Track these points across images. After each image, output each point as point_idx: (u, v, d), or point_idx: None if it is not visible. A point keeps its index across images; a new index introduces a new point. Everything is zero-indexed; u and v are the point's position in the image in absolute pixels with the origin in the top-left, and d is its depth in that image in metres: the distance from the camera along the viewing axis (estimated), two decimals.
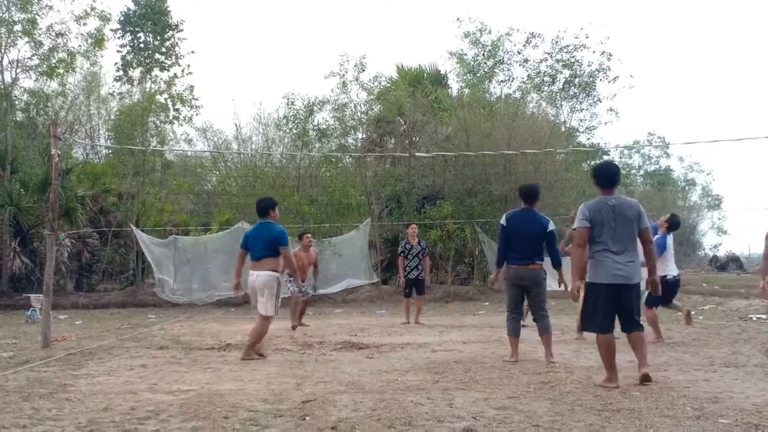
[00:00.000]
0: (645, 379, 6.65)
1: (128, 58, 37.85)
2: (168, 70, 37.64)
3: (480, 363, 8.32)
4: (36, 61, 22.93)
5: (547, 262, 8.81)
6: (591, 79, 25.24)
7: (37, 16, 22.19)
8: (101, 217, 23.40)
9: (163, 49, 38.21)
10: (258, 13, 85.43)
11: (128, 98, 30.88)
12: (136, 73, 36.67)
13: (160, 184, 26.30)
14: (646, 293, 8.03)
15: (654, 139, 52.80)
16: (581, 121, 26.65)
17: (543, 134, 24.74)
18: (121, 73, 37.30)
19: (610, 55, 25.03)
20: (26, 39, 22.37)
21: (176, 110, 30.50)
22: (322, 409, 5.74)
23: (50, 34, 22.72)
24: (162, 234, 22.15)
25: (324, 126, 25.69)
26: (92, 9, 23.51)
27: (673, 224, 10.94)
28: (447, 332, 12.32)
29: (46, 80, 24.21)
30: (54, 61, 23.09)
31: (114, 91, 32.78)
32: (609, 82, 25.37)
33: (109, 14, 24.65)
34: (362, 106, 25.48)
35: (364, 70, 24.49)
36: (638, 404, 5.81)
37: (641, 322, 6.85)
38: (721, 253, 52.39)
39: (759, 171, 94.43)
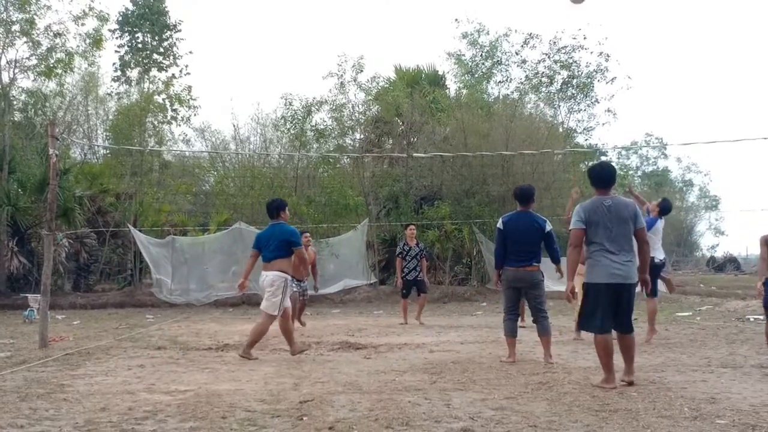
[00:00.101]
0: (629, 384, 6.67)
1: (126, 58, 37.88)
2: (166, 71, 37.70)
3: (477, 363, 8.33)
4: (34, 61, 22.92)
5: (545, 263, 8.83)
6: (589, 80, 25.25)
7: (35, 16, 22.19)
8: (99, 218, 23.38)
9: (161, 50, 38.25)
10: (256, 13, 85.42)
11: (126, 98, 30.90)
12: (134, 74, 36.69)
13: (158, 185, 26.27)
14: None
15: (652, 140, 52.88)
16: (579, 121, 26.65)
17: (541, 135, 24.74)
18: (119, 73, 37.35)
19: (608, 56, 25.06)
20: (24, 39, 22.36)
21: (174, 110, 30.52)
22: (319, 410, 5.74)
23: (48, 34, 22.72)
24: (160, 234, 22.13)
25: (322, 126, 25.68)
26: (90, 9, 23.50)
27: (664, 208, 10.97)
28: (444, 333, 12.33)
29: (44, 80, 24.18)
30: (52, 61, 23.07)
31: (112, 92, 32.84)
32: (607, 83, 25.39)
33: (107, 14, 24.64)
34: (360, 106, 25.53)
35: (362, 71, 24.56)
36: (635, 405, 5.82)
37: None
38: (719, 254, 52.57)
39: (756, 172, 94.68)
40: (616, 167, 7.45)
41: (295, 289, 13.02)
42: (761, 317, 13.75)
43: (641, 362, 8.16)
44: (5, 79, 22.52)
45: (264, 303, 9.09)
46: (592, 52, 26.80)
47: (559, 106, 26.50)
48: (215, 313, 18.14)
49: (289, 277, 9.14)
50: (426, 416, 5.46)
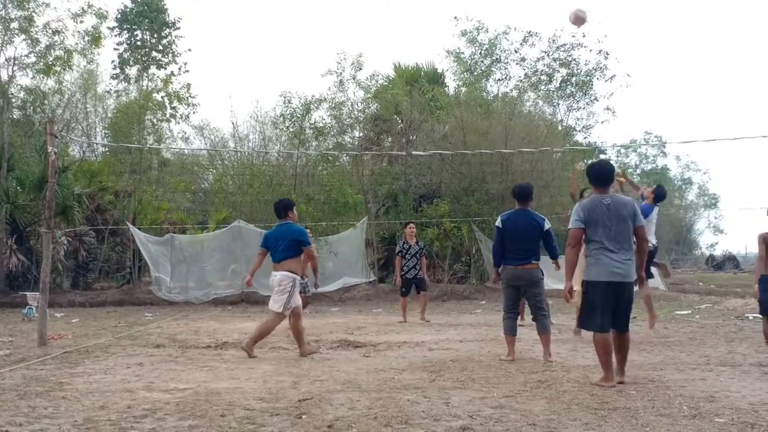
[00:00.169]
0: (619, 383, 6.68)
1: (125, 55, 37.83)
2: (165, 68, 37.65)
3: (477, 362, 8.33)
4: (33, 59, 22.87)
5: (544, 261, 8.83)
6: (588, 78, 25.24)
7: (33, 14, 22.13)
8: (98, 215, 23.36)
9: (160, 47, 38.19)
10: (255, 11, 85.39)
11: (125, 96, 30.86)
12: (133, 71, 36.66)
13: (157, 183, 26.29)
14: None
15: (651, 138, 52.97)
16: (578, 119, 26.66)
17: (540, 133, 24.75)
18: (118, 71, 37.31)
19: (607, 53, 25.03)
20: (23, 36, 22.31)
21: (173, 108, 30.55)
22: (318, 408, 5.74)
23: (47, 31, 22.67)
24: (159, 232, 22.14)
25: (321, 124, 25.69)
26: (89, 6, 23.42)
27: (658, 195, 10.97)
28: (444, 331, 12.32)
29: (43, 78, 24.16)
30: (51, 58, 23.03)
31: (111, 89, 32.80)
32: (606, 80, 25.38)
33: (106, 12, 24.57)
34: (359, 104, 25.52)
35: (361, 69, 24.54)
36: (634, 403, 5.82)
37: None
38: (718, 252, 52.61)
39: (755, 170, 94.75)
40: (615, 165, 7.46)
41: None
42: (760, 315, 13.78)
43: (640, 360, 8.17)
44: (4, 76, 22.53)
45: (270, 302, 9.10)
46: (591, 50, 26.87)
47: (558, 104, 26.52)
48: (214, 312, 18.13)
49: (298, 277, 9.12)
50: (425, 414, 5.46)
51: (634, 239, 6.85)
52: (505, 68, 26.81)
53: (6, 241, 20.46)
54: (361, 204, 23.80)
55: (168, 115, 29.57)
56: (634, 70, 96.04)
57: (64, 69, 24.00)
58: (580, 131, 27.11)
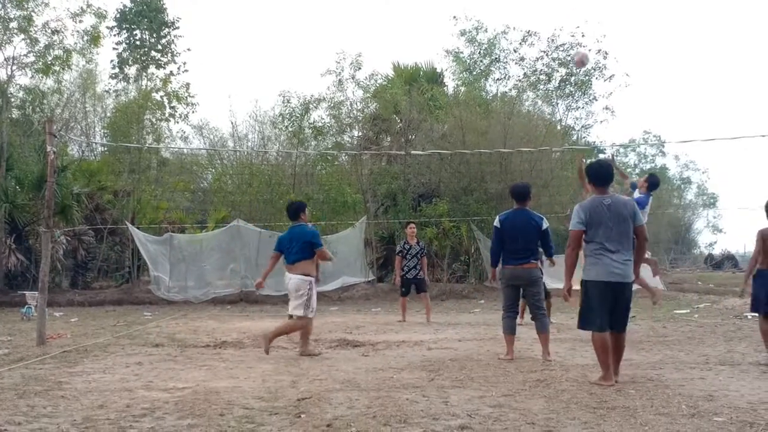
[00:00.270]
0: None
1: (124, 55, 37.92)
2: (164, 68, 37.76)
3: (475, 361, 8.33)
4: (32, 58, 22.88)
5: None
6: (587, 78, 25.30)
7: (32, 13, 22.12)
8: (97, 215, 23.35)
9: (159, 47, 38.28)
10: (254, 10, 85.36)
11: (124, 96, 30.86)
12: (132, 71, 36.72)
13: (156, 182, 26.28)
14: None
15: (650, 138, 52.97)
16: (577, 119, 26.72)
17: (539, 132, 24.77)
18: (117, 70, 37.38)
19: (606, 53, 25.13)
20: (22, 36, 22.30)
21: (172, 108, 30.54)
22: (317, 407, 5.74)
23: (46, 31, 22.67)
24: (158, 231, 22.13)
25: (320, 124, 25.72)
26: (88, 6, 23.43)
27: (652, 184, 10.96)
28: (442, 330, 12.32)
29: (42, 77, 24.14)
30: (50, 58, 23.02)
31: (110, 89, 32.83)
32: (605, 80, 25.48)
33: (105, 11, 24.58)
34: (358, 103, 25.55)
35: (360, 68, 24.57)
36: (633, 402, 5.82)
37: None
38: (717, 251, 52.62)
39: (754, 169, 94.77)
40: (621, 166, 7.46)
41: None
42: (756, 314, 13.80)
43: (639, 359, 8.18)
44: (3, 76, 22.53)
45: (292, 308, 9.10)
46: (590, 50, 26.75)
47: (557, 103, 26.58)
48: (213, 311, 18.12)
49: (313, 279, 9.12)
50: (424, 413, 5.46)
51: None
52: (504, 68, 26.89)
53: (5, 241, 20.45)
54: (360, 203, 23.81)
55: (167, 115, 29.60)
56: (633, 70, 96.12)
57: (63, 68, 23.99)
58: (578, 131, 27.18)
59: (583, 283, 6.85)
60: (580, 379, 6.91)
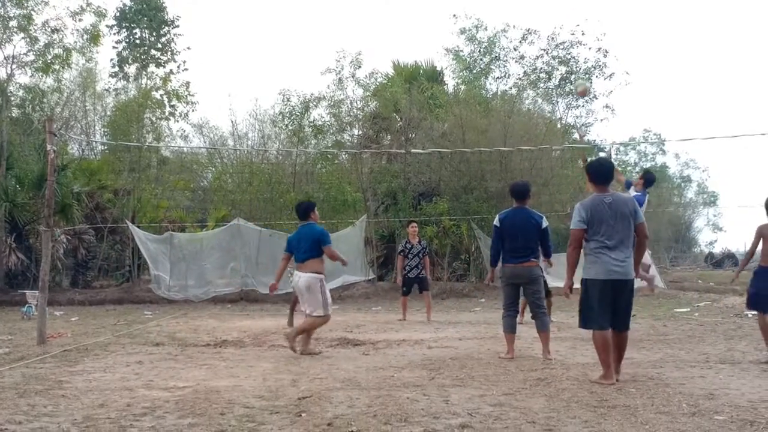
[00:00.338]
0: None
1: (124, 54, 37.91)
2: (164, 66, 37.74)
3: (476, 360, 8.33)
4: (31, 57, 22.90)
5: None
6: (587, 76, 25.27)
7: (32, 12, 22.14)
8: (97, 214, 23.36)
9: (159, 45, 38.27)
10: (254, 9, 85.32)
11: (124, 94, 30.84)
12: (131, 70, 36.71)
13: (156, 181, 26.27)
14: None
15: (650, 136, 52.98)
16: (577, 117, 26.72)
17: (539, 131, 24.76)
18: (116, 69, 37.35)
19: (606, 51, 25.16)
20: (22, 35, 22.33)
21: (172, 106, 30.53)
22: (318, 406, 5.74)
23: (46, 29, 22.70)
24: (158, 230, 22.13)
25: (320, 122, 25.71)
26: (88, 5, 23.47)
27: (648, 180, 10.95)
28: (443, 329, 12.32)
29: (42, 76, 24.17)
30: (49, 57, 23.04)
31: (110, 88, 32.78)
32: (605, 78, 25.53)
33: (105, 10, 24.65)
34: (358, 102, 25.53)
35: (360, 67, 24.56)
36: (634, 401, 5.82)
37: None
38: (717, 250, 52.62)
39: (755, 168, 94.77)
40: (614, 163, 7.45)
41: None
42: (754, 311, 13.80)
43: (639, 358, 8.18)
44: (3, 74, 22.57)
45: (308, 307, 9.08)
46: (590, 48, 26.88)
47: (557, 101, 26.58)
48: (213, 310, 18.12)
49: (323, 276, 9.14)
50: (424, 412, 5.46)
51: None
52: (504, 66, 26.92)
53: (5, 240, 20.47)
54: (360, 202, 23.81)
55: (167, 114, 29.59)
56: (633, 68, 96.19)
57: (63, 67, 24.02)
58: (579, 129, 27.14)
59: (583, 281, 6.85)
60: (581, 378, 6.90)
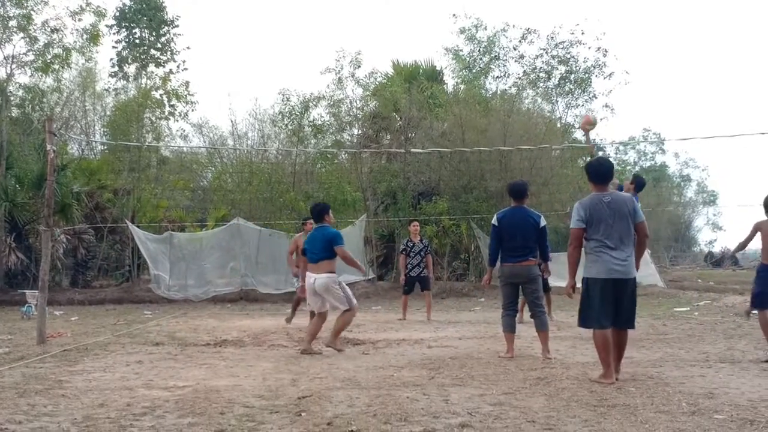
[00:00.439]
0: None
1: (123, 53, 37.91)
2: (163, 66, 37.74)
3: (476, 359, 8.33)
4: (31, 57, 22.90)
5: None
6: (586, 75, 25.33)
7: (32, 12, 22.13)
8: (97, 213, 23.35)
9: (159, 45, 38.27)
10: (253, 8, 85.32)
11: (124, 94, 30.84)
12: (131, 69, 36.70)
13: (156, 180, 26.26)
14: None
15: (649, 136, 53.01)
16: (577, 117, 26.67)
17: (538, 130, 24.76)
18: (116, 68, 37.35)
19: (606, 51, 25.16)
20: (21, 34, 22.32)
21: (172, 106, 30.52)
22: (318, 405, 5.74)
23: (45, 29, 22.68)
24: (157, 230, 22.13)
25: (319, 122, 25.70)
26: (87, 4, 23.45)
27: (639, 184, 10.94)
28: (443, 328, 12.33)
29: (42, 76, 24.16)
30: (49, 56, 23.03)
31: (109, 87, 32.78)
32: (604, 78, 25.52)
33: (105, 10, 24.61)
34: (358, 102, 25.53)
35: (359, 66, 24.57)
36: (634, 400, 5.82)
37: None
38: (717, 249, 52.63)
39: (754, 167, 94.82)
40: (614, 162, 7.45)
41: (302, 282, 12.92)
42: (755, 311, 13.80)
43: (639, 357, 8.18)
44: (2, 74, 22.56)
45: (331, 307, 9.25)
46: (589, 48, 26.89)
47: (557, 101, 26.58)
48: (213, 309, 18.12)
49: (336, 275, 9.26)
50: (424, 412, 5.45)
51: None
52: (504, 66, 26.93)
53: (5, 240, 20.46)
54: (360, 201, 23.81)
55: (166, 113, 29.57)
56: (633, 68, 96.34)
57: (62, 67, 24.00)
58: (579, 128, 27.12)
59: (584, 280, 6.85)
60: (581, 377, 6.91)
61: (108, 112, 28.86)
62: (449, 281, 22.44)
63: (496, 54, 26.93)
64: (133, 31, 38.20)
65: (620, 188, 10.97)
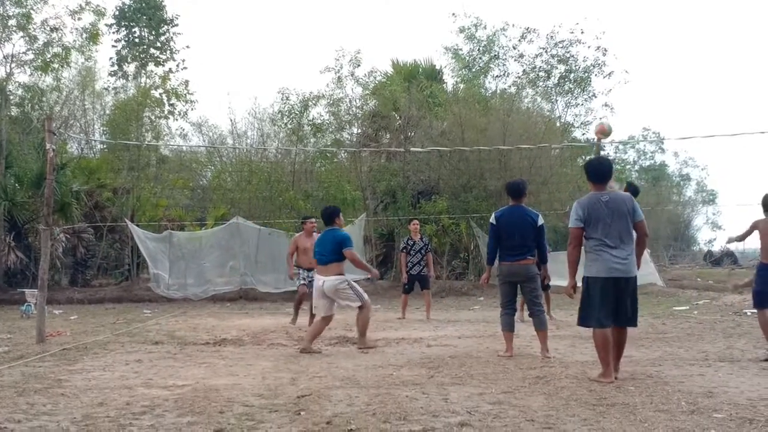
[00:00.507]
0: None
1: (123, 52, 37.86)
2: (163, 65, 37.66)
3: (475, 358, 8.33)
4: (31, 56, 22.87)
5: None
6: (586, 75, 25.31)
7: (31, 11, 22.12)
8: (96, 212, 23.33)
9: (158, 44, 38.21)
10: (253, 7, 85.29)
11: (123, 93, 30.81)
12: (131, 68, 36.67)
13: (155, 179, 26.22)
14: None
15: (649, 135, 52.97)
16: (576, 116, 26.71)
17: (538, 130, 24.74)
18: (116, 68, 37.32)
19: (605, 50, 25.15)
20: (21, 33, 22.30)
21: (171, 105, 30.47)
22: (317, 404, 5.74)
23: (45, 28, 22.66)
24: (157, 229, 22.10)
25: (319, 121, 25.68)
26: (87, 3, 23.43)
27: (632, 192, 10.92)
28: (442, 327, 12.33)
29: (41, 75, 24.13)
30: (49, 55, 23.02)
31: (109, 86, 32.74)
32: (604, 77, 25.51)
33: (104, 9, 24.59)
34: (357, 101, 25.49)
35: (359, 65, 24.53)
36: (633, 399, 5.82)
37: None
38: (716, 248, 52.56)
39: (754, 166, 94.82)
40: (613, 162, 7.46)
41: (303, 281, 12.92)
42: (755, 310, 13.80)
43: (638, 356, 8.19)
44: (2, 73, 22.52)
45: (346, 306, 9.38)
46: (589, 47, 26.82)
47: (557, 100, 26.56)
48: (213, 308, 18.12)
49: (344, 277, 9.35)
50: (423, 411, 5.46)
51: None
52: (504, 65, 26.92)
53: (4, 239, 20.45)
54: (360, 201, 23.80)
55: (166, 112, 29.51)
56: (633, 67, 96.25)
57: (62, 66, 23.98)
58: (578, 127, 27.19)
59: (585, 279, 6.86)
60: (580, 376, 6.91)
61: (107, 111, 28.84)
62: (449, 280, 22.44)
63: (496, 53, 26.93)
64: (133, 30, 38.14)
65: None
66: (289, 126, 25.69)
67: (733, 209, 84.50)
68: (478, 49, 27.52)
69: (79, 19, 23.45)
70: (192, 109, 32.52)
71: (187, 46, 38.10)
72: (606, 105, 26.27)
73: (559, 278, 11.98)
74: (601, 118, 24.55)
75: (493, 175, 23.19)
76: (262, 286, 19.73)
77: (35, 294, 12.91)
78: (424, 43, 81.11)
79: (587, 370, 7.22)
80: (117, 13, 37.53)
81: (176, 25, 38.84)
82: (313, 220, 13.85)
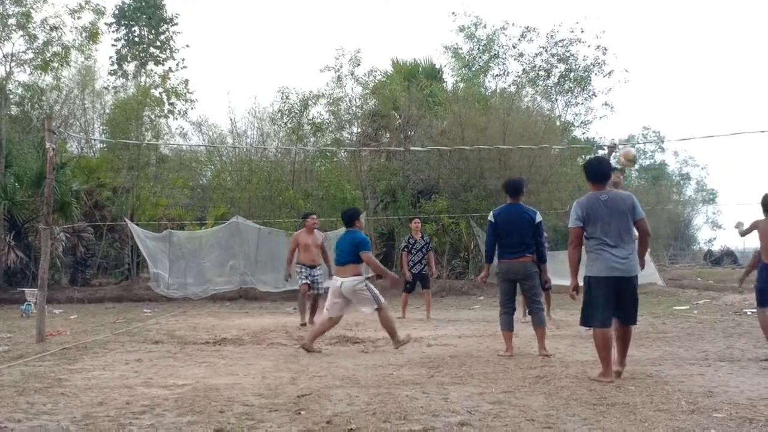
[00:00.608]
0: (617, 375, 6.70)
1: (123, 51, 37.90)
2: (163, 64, 37.70)
3: (475, 357, 8.33)
4: (30, 55, 22.88)
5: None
6: (586, 74, 25.32)
7: (31, 9, 22.11)
8: (96, 212, 23.33)
9: (158, 43, 38.25)
10: (253, 7, 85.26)
11: (123, 92, 30.82)
12: (130, 67, 36.69)
13: (155, 179, 26.22)
14: None
15: (649, 134, 53.03)
16: (576, 115, 26.72)
17: (538, 129, 24.74)
18: (115, 66, 37.34)
19: (606, 49, 25.15)
20: (20, 32, 22.30)
21: (171, 104, 30.47)
22: (317, 404, 5.74)
23: (44, 27, 22.66)
24: (157, 228, 22.10)
25: (319, 120, 25.68)
26: (87, 2, 23.41)
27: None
28: (442, 327, 12.33)
29: (41, 74, 24.12)
30: (48, 54, 23.01)
31: (109, 85, 32.75)
32: (604, 76, 25.52)
33: (104, 8, 24.58)
34: (357, 100, 25.49)
35: (359, 65, 24.54)
36: (633, 398, 5.82)
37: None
38: (716, 247, 52.63)
39: (753, 165, 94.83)
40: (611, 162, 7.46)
41: (305, 280, 12.90)
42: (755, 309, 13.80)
43: (638, 356, 8.18)
44: (1, 72, 22.52)
45: (363, 309, 9.33)
46: (589, 46, 26.80)
47: (557, 99, 26.58)
48: (212, 308, 18.11)
49: (362, 278, 9.32)
50: (423, 410, 5.46)
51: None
52: (503, 64, 26.93)
53: (4, 238, 20.44)
54: (360, 200, 23.78)
55: (166, 111, 29.51)
56: (633, 66, 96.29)
57: (61, 65, 23.97)
58: (578, 127, 27.20)
59: (586, 279, 6.85)
60: (580, 376, 6.91)
61: (107, 110, 28.83)
62: (449, 279, 22.43)
63: (496, 52, 26.94)
64: (133, 29, 38.18)
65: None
66: (289, 125, 25.70)
67: (733, 208, 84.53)
68: (478, 48, 27.54)
69: (78, 18, 23.48)
70: (192, 109, 32.52)
71: (187, 45, 38.26)
72: (606, 104, 26.29)
73: (558, 277, 12.00)
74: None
75: (492, 174, 23.17)
76: (261, 286, 19.73)
77: (35, 293, 12.90)
78: (424, 43, 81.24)
79: (587, 369, 7.22)
80: (117, 12, 37.59)
81: (176, 24, 38.90)
82: (315, 216, 13.83)
